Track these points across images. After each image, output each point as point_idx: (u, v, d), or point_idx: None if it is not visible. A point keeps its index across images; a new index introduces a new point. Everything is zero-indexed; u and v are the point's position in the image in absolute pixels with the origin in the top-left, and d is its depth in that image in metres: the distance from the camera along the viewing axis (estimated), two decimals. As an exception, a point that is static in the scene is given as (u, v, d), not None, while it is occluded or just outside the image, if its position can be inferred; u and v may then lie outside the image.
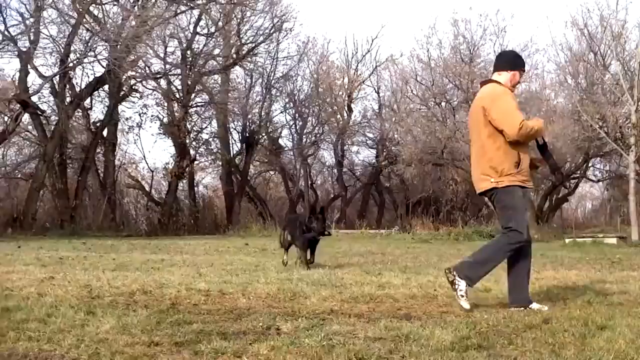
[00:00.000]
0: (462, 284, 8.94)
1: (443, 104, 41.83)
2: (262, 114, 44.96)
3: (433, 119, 40.97)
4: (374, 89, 46.87)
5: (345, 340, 6.88)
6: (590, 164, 43.95)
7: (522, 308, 8.92)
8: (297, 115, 45.75)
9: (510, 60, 9.50)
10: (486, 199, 9.64)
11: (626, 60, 36.16)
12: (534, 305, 9.02)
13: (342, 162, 46.66)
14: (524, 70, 9.63)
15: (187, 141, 42.92)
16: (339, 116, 45.99)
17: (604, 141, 35.22)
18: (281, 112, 46.89)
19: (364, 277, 12.71)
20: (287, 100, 45.90)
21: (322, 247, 18.09)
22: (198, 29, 41.81)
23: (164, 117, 43.07)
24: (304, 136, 45.74)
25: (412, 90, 43.22)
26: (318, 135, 46.38)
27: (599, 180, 48.31)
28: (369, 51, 46.40)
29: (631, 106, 31.73)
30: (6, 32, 34.42)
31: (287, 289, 10.59)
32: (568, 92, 39.57)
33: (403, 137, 43.20)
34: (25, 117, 37.86)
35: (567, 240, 27.95)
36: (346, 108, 45.99)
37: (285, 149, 47.04)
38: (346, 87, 45.84)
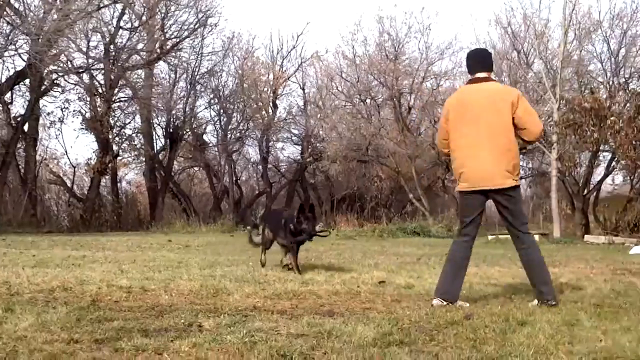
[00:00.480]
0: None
1: (368, 100, 41.99)
2: (187, 109, 44.65)
3: (358, 116, 41.12)
4: (299, 85, 46.86)
5: (268, 337, 6.86)
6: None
7: (446, 303, 9.01)
8: (221, 111, 45.51)
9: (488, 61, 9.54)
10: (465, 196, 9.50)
11: (549, 59, 36.71)
12: (458, 303, 9.15)
13: (267, 158, 46.55)
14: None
15: (110, 137, 42.44)
16: (264, 112, 45.84)
17: (527, 138, 35.56)
18: (206, 108, 46.60)
19: (288, 274, 12.69)
20: (211, 96, 45.64)
21: (245, 244, 18.06)
22: (121, 23, 41.28)
23: (86, 112, 42.50)
24: (228, 132, 45.52)
25: (337, 87, 43.31)
26: (243, 131, 46.21)
27: (522, 178, 48.89)
28: (294, 47, 46.33)
29: (553, 104, 32.20)
30: None
31: (210, 286, 10.54)
32: (492, 90, 40.00)
33: (328, 133, 43.27)
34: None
35: (489, 237, 28.22)
36: (271, 104, 45.84)
37: (210, 144, 46.79)
38: (271, 83, 45.69)
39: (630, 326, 7.41)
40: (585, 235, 29.57)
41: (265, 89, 45.81)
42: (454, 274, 9.35)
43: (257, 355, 6.15)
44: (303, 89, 46.52)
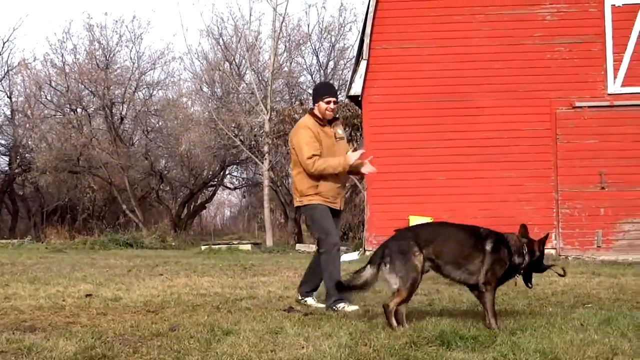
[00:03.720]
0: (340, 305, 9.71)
1: (79, 110, 41.11)
2: None
3: (69, 126, 40.18)
4: (6, 93, 45.19)
5: (-38, 355, 6.52)
6: (227, 172, 44.85)
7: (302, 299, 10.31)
8: None
9: (313, 93, 10.56)
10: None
11: (260, 71, 37.37)
12: (310, 301, 10.30)
13: (-27, 169, 44.66)
14: (327, 98, 10.17)
15: None
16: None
17: (240, 149, 36.03)
18: None
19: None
20: None
21: None
22: None
23: None
24: None
25: (46, 96, 42.13)
26: (-54, 140, 44.11)
27: (235, 188, 49.45)
28: (0, 54, 44.71)
29: (265, 115, 32.79)
30: None
31: None
32: (204, 101, 40.27)
33: (37, 143, 42.00)
34: None
35: (203, 247, 28.30)
36: (-24, 113, 44.03)
37: None
38: (-24, 91, 43.92)
39: (332, 332, 7.61)
40: (297, 244, 30.24)
41: (-29, 97, 43.84)
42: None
43: (-52, 376, 5.83)
44: (10, 98, 44.83)
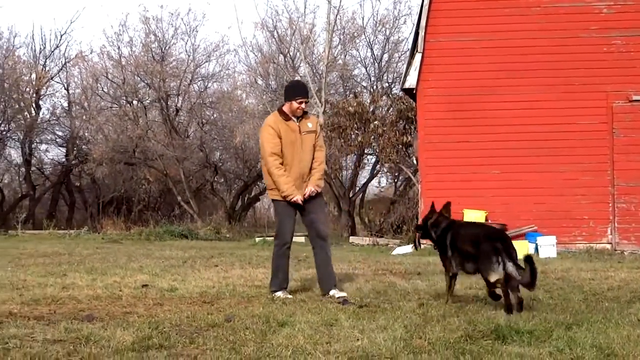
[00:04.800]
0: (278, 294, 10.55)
1: (135, 102, 41.37)
2: (-60, 109, 42.67)
3: (125, 118, 40.45)
4: (64, 85, 45.59)
5: (23, 343, 6.65)
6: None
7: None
8: (-20, 111, 43.78)
9: (286, 91, 11.03)
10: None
11: (314, 63, 37.32)
12: (332, 292, 10.49)
13: (30, 160, 45.05)
14: (300, 99, 10.72)
15: None
16: (26, 113, 44.35)
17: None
18: (-37, 108, 44.68)
19: (48, 278, 12.34)
20: (-30, 95, 43.81)
21: (8, 249, 17.36)
22: None
23: None
24: (-11, 133, 43.85)
25: (103, 88, 42.47)
26: (4, 132, 44.55)
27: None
28: (57, 47, 45.04)
29: (319, 108, 32.76)
30: None
31: (-37, 293, 10.10)
32: (259, 93, 40.27)
33: (94, 135, 42.35)
34: None
35: (257, 239, 28.35)
36: (34, 105, 44.43)
37: (-31, 146, 44.93)
38: (34, 83, 44.28)
39: (387, 325, 7.63)
40: (351, 237, 30.22)
41: (28, 89, 44.30)
42: None
43: (10, 363, 5.93)
44: (67, 90, 45.28)
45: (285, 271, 10.80)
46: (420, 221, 10.56)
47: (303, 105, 10.68)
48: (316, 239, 10.93)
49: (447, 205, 10.24)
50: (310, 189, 10.72)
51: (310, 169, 10.80)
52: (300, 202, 10.54)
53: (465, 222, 11.20)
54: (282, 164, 10.54)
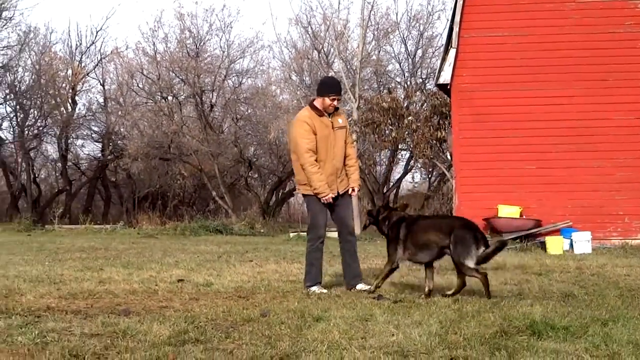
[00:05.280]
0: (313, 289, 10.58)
1: (170, 98, 41.54)
2: (-20, 105, 43.08)
3: (160, 113, 40.63)
4: (99, 81, 45.96)
5: (60, 337, 6.72)
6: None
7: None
8: (18, 107, 44.07)
9: (320, 86, 10.98)
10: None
11: (348, 59, 37.29)
12: (360, 286, 10.62)
13: (67, 155, 45.40)
14: (333, 96, 10.69)
15: None
16: (62, 109, 44.69)
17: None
18: (1, 104, 44.98)
19: (85, 273, 12.45)
20: (7, 91, 44.10)
21: (45, 243, 17.48)
22: None
23: None
24: (25, 129, 44.13)
25: (138, 84, 42.68)
26: (41, 128, 44.93)
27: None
28: (93, 43, 45.41)
29: (353, 103, 32.71)
30: None
31: (2, 286, 10.24)
32: (293, 89, 40.32)
33: (129, 131, 42.62)
34: None
35: (291, 235, 28.39)
36: (70, 100, 44.77)
37: (6, 141, 45.23)
38: (70, 79, 44.62)
39: (422, 320, 7.64)
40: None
41: (64, 85, 44.65)
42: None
43: (49, 356, 6.01)
44: (103, 86, 45.66)
45: (320, 266, 10.82)
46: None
47: (335, 103, 10.67)
48: (345, 234, 10.99)
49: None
50: (352, 187, 10.86)
51: (344, 164, 10.83)
52: (331, 201, 10.55)
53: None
54: (316, 160, 10.52)
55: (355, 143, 32.96)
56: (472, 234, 9.72)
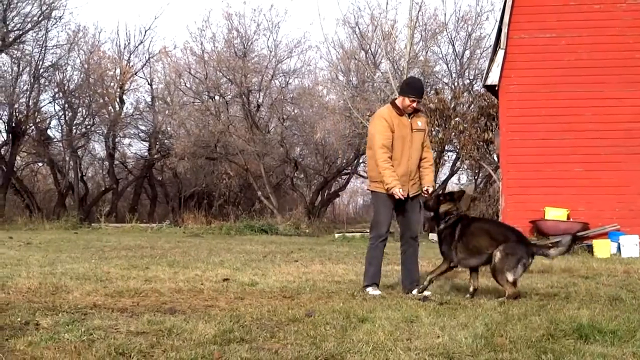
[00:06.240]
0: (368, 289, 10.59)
1: (217, 97, 41.70)
2: (30, 103, 43.37)
3: (206, 113, 40.80)
4: (147, 80, 46.19)
5: (107, 334, 6.77)
6: (361, 160, 44.75)
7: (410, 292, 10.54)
8: (66, 105, 44.43)
9: (403, 85, 10.98)
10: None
11: (396, 59, 37.17)
12: (426, 292, 10.42)
13: (114, 154, 45.71)
14: (413, 98, 10.66)
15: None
16: (110, 108, 45.01)
17: (374, 138, 35.82)
18: (50, 102, 45.36)
19: (131, 271, 12.53)
20: (56, 90, 44.49)
21: (91, 241, 17.59)
22: (-40, 15, 39.86)
23: None
24: (73, 127, 44.49)
25: (185, 83, 42.87)
26: (89, 126, 45.23)
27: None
28: (141, 42, 45.64)
29: (400, 104, 32.62)
30: None
31: (50, 284, 10.32)
32: (340, 89, 40.29)
33: (176, 130, 42.88)
34: None
35: (336, 235, 28.44)
36: (118, 99, 45.07)
37: (54, 140, 45.65)
38: (118, 78, 44.93)
39: (467, 322, 7.60)
40: (430, 234, 30.05)
41: (112, 84, 44.97)
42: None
43: (95, 353, 6.04)
44: (151, 85, 45.90)
45: (378, 265, 10.79)
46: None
47: (414, 105, 10.65)
48: (408, 238, 10.93)
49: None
50: (426, 187, 10.76)
51: (418, 167, 10.80)
52: (402, 197, 10.46)
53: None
54: (390, 158, 10.51)
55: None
56: (525, 250, 9.82)
